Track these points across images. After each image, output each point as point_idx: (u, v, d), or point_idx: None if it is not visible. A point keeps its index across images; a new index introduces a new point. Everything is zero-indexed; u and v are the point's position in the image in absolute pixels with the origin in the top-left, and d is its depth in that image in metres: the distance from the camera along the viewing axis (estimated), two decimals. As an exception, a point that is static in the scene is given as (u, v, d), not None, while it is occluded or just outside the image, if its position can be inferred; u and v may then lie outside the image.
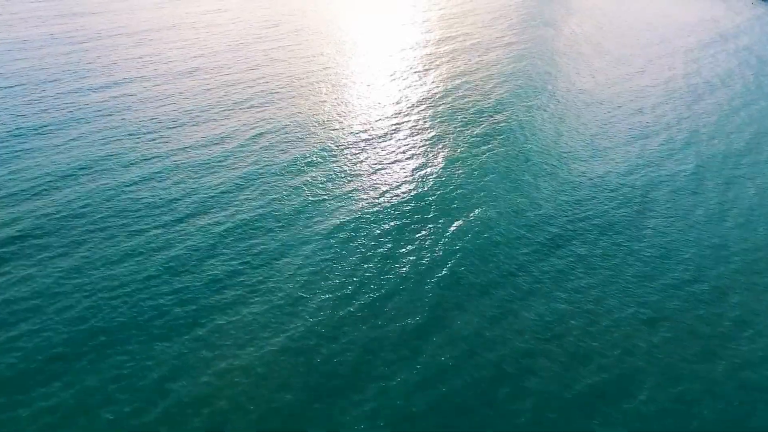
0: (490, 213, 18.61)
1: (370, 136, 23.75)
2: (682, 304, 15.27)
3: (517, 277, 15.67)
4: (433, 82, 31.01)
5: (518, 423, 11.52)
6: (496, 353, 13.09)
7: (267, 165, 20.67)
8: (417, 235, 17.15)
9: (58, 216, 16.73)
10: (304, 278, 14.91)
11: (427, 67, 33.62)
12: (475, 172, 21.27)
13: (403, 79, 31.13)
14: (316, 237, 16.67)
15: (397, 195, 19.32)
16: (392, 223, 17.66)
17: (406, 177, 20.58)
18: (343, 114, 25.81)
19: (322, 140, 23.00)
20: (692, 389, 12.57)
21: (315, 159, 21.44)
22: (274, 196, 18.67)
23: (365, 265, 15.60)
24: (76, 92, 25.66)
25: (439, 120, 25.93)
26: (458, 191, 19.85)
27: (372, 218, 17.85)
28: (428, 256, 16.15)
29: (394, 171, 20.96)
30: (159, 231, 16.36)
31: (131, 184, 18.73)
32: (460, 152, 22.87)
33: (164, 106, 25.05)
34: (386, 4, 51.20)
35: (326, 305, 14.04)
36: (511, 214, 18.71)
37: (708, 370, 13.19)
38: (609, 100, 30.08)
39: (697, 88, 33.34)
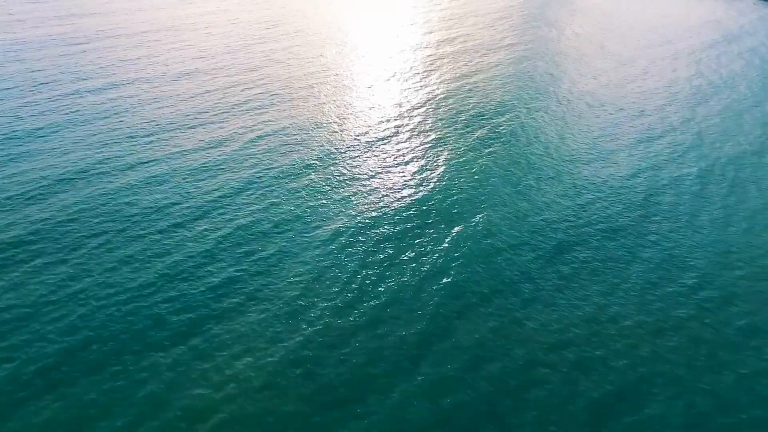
0: (493, 218, 18.31)
1: (370, 139, 23.46)
2: (689, 312, 14.96)
3: (519, 284, 15.37)
4: (434, 83, 30.72)
5: (522, 437, 11.23)
6: (498, 364, 12.79)
7: (266, 169, 20.39)
8: (418, 241, 16.85)
9: (52, 221, 16.45)
10: (303, 286, 14.62)
11: (428, 68, 33.33)
12: (477, 176, 20.98)
13: (404, 81, 30.84)
14: (316, 243, 16.38)
15: (398, 199, 19.02)
16: (393, 229, 17.36)
17: (406, 181, 20.29)
18: (343, 116, 25.52)
19: (322, 143, 22.71)
20: (701, 402, 12.26)
21: (314, 163, 21.15)
22: (272, 201, 18.38)
23: (365, 272, 15.31)
24: (73, 94, 25.39)
25: (440, 123, 25.64)
26: (460, 195, 19.56)
27: (372, 223, 17.56)
28: (429, 263, 15.86)
29: (394, 175, 20.67)
30: (155, 237, 16.07)
31: (128, 189, 18.45)
32: (461, 155, 22.58)
33: (162, 108, 24.78)
34: (386, 5, 50.91)
35: (325, 314, 13.74)
36: (513, 219, 18.42)
37: (716, 381, 12.88)
38: (612, 103, 29.78)
39: (701, 91, 33.03)
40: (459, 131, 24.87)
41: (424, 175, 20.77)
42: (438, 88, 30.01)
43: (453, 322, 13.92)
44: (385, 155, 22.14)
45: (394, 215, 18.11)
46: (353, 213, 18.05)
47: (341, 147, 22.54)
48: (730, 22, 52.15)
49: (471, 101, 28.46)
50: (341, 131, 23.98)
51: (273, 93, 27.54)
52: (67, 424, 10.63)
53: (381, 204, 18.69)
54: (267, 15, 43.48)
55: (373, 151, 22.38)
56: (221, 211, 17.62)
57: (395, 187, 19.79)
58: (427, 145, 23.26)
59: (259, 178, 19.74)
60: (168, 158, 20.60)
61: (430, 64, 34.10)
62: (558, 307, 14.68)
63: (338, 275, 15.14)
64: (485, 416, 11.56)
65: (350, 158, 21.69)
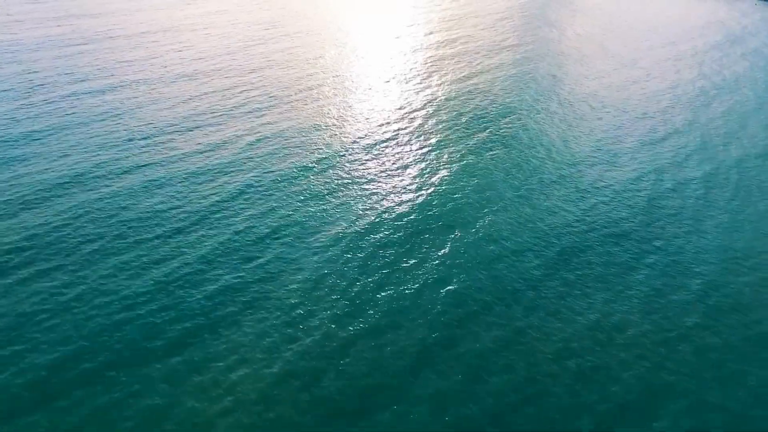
0: (496, 223, 18.00)
1: (370, 142, 23.15)
2: (695, 321, 14.65)
3: (522, 292, 15.06)
4: (434, 85, 30.41)
5: (526, 452, 10.93)
6: (500, 375, 12.48)
7: (264, 173, 20.08)
8: (418, 247, 16.54)
9: (47, 227, 16.15)
10: (301, 294, 14.31)
11: (428, 70, 33.01)
12: (480, 180, 20.67)
13: (404, 83, 30.53)
14: (314, 249, 16.07)
15: (398, 204, 18.71)
16: (393, 234, 17.06)
17: (407, 185, 19.97)
18: (343, 119, 25.22)
19: (321, 146, 22.40)
20: (709, 416, 11.94)
21: (314, 166, 20.85)
22: (271, 206, 18.07)
23: (365, 279, 15.00)
24: (70, 96, 25.09)
25: (441, 125, 25.32)
26: (462, 200, 19.24)
27: (372, 229, 17.25)
28: (430, 270, 15.55)
29: (394, 179, 20.35)
30: (151, 243, 15.77)
31: (124, 193, 18.15)
32: (462, 159, 22.26)
33: (160, 110, 24.48)
34: (386, 6, 50.60)
35: (324, 323, 13.44)
36: (516, 224, 18.11)
37: (725, 393, 12.56)
38: (615, 105, 29.46)
39: (705, 93, 32.70)
40: (460, 134, 24.55)
41: (424, 179, 20.46)
42: (439, 90, 29.69)
43: (454, 331, 13.61)
44: (385, 159, 21.83)
45: (395, 220, 17.80)
46: (353, 218, 17.74)
47: (341, 150, 22.23)
48: (732, 22, 51.79)
49: (472, 103, 28.14)
50: (341, 134, 23.67)
51: (272, 95, 27.23)
52: (58, 439, 10.34)
53: (381, 209, 18.38)
54: (267, 16, 43.18)
55: (373, 155, 22.07)
56: (219, 216, 17.32)
57: (395, 192, 19.48)
58: (427, 148, 22.95)
59: (257, 182, 19.44)
60: (165, 162, 20.30)
61: (431, 66, 33.79)
62: (561, 316, 14.37)
63: (337, 282, 14.84)
64: (487, 430, 11.25)
65: (350, 162, 21.38)
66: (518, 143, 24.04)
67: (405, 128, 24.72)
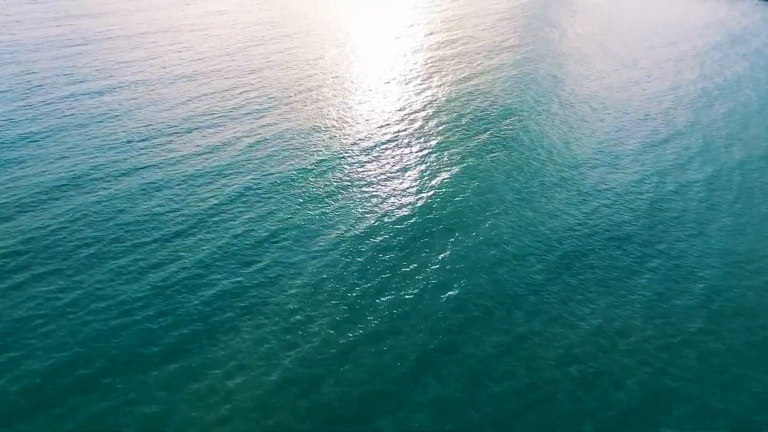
0: (497, 227, 17.84)
1: (370, 144, 22.98)
2: (698, 326, 14.49)
3: (525, 297, 14.89)
4: (434, 86, 30.25)
5: (528, 460, 10.78)
6: (502, 382, 12.32)
7: (263, 175, 19.92)
8: (418, 251, 16.38)
9: (43, 230, 15.99)
10: (300, 299, 14.16)
11: (428, 71, 32.86)
12: (480, 183, 20.51)
13: (405, 84, 30.37)
14: (313, 253, 15.91)
15: (399, 208, 18.55)
16: (394, 239, 16.90)
17: (406, 188, 19.81)
18: (343, 120, 25.06)
19: (321, 149, 22.24)
20: (719, 424, 11.77)
21: (313, 169, 20.68)
22: (270, 209, 17.92)
23: (365, 284, 14.84)
24: (68, 98, 24.94)
25: (441, 127, 25.16)
26: (462, 203, 19.08)
27: (373, 233, 17.09)
28: (430, 274, 15.39)
29: (395, 182, 20.20)
30: (149, 247, 15.61)
31: (121, 196, 17.99)
32: (463, 161, 22.10)
33: (159, 112, 24.33)
34: (387, 6, 50.43)
35: (323, 329, 13.28)
36: (517, 228, 17.94)
37: (734, 401, 12.39)
38: (617, 106, 29.30)
39: (707, 93, 32.53)
40: (460, 135, 24.39)
41: (424, 182, 20.30)
42: (439, 92, 29.53)
43: (455, 336, 13.46)
44: (385, 161, 21.67)
45: (394, 224, 17.64)
46: (352, 222, 17.58)
47: (340, 152, 22.07)
48: (732, 22, 51.62)
49: (473, 104, 27.98)
50: (340, 136, 23.51)
51: (271, 96, 27.08)
52: (53, 448, 10.19)
53: (380, 212, 18.22)
54: (266, 16, 43.02)
55: (373, 157, 21.91)
56: (217, 219, 17.16)
57: (395, 195, 19.32)
58: (427, 151, 22.79)
59: (256, 184, 19.28)
60: (164, 164, 20.14)
61: (431, 67, 33.63)
62: (563, 321, 14.21)
63: (337, 287, 14.68)
64: (489, 438, 11.11)
65: (349, 164, 21.22)
66: (519, 145, 23.88)
67: (405, 130, 24.56)
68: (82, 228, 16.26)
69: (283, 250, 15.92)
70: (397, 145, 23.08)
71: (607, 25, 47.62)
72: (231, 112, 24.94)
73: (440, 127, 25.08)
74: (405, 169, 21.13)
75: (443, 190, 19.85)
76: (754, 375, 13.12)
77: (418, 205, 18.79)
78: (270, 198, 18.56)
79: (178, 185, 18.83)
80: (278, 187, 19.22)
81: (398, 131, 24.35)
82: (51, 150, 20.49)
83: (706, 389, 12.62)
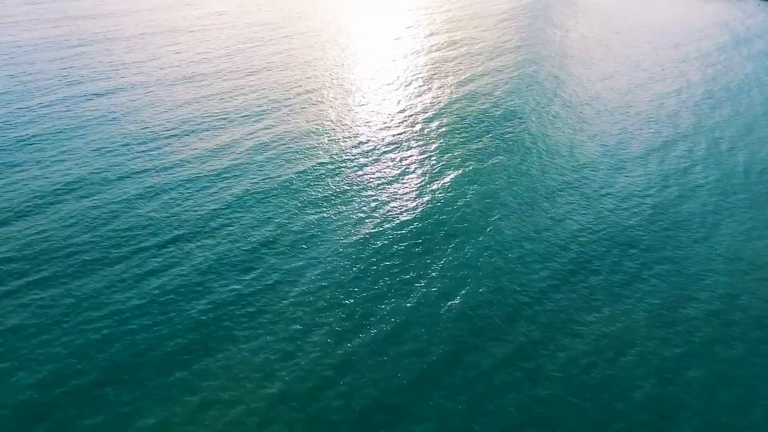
0: (500, 232, 17.53)
1: (371, 147, 22.68)
2: (710, 337, 14.15)
3: (531, 306, 14.57)
4: (436, 88, 29.94)
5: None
6: (509, 396, 12.00)
7: (262, 180, 19.62)
8: (422, 258, 16.07)
9: (38, 237, 15.70)
10: (299, 308, 13.85)
11: (431, 73, 32.55)
12: (482, 187, 20.19)
13: (406, 86, 30.07)
14: (313, 261, 15.61)
15: (400, 213, 18.24)
16: (394, 245, 16.59)
17: (409, 192, 19.50)
18: (343, 123, 24.75)
19: (321, 152, 21.94)
20: (724, 438, 11.48)
21: (313, 173, 20.38)
22: (269, 215, 17.62)
23: (366, 293, 14.54)
24: (66, 100, 24.67)
25: (443, 129, 24.86)
26: (464, 208, 18.77)
27: (373, 239, 16.78)
28: (435, 285, 15.07)
29: (396, 186, 19.89)
30: (144, 254, 15.31)
31: (119, 202, 17.70)
32: (466, 164, 21.79)
33: (158, 114, 24.04)
34: (387, 7, 50.15)
35: (323, 341, 12.97)
36: (523, 234, 17.63)
37: (743, 413, 12.07)
38: (621, 108, 28.97)
39: (714, 95, 32.20)
40: (462, 138, 24.08)
41: (426, 186, 19.99)
42: (441, 93, 29.23)
43: (457, 346, 13.14)
44: (386, 164, 21.36)
45: (395, 229, 17.34)
46: (352, 227, 17.28)
47: (340, 156, 21.77)
48: (736, 23, 51.28)
49: (475, 107, 27.68)
50: (340, 139, 23.21)
51: (271, 98, 26.79)
52: (43, 464, 9.90)
53: (381, 217, 17.91)
54: (266, 17, 42.74)
55: (373, 160, 21.60)
56: (214, 225, 16.86)
57: (396, 199, 19.01)
58: (429, 154, 22.48)
59: (255, 189, 18.99)
60: (162, 168, 19.85)
61: (433, 68, 33.32)
62: (567, 330, 13.89)
63: (336, 295, 14.37)
64: (493, 453, 10.80)
65: (349, 168, 20.91)
66: (522, 148, 23.56)
67: (406, 132, 24.25)
68: (78, 234, 15.96)
69: (282, 256, 15.62)
70: (397, 148, 22.78)
71: (608, 25, 47.29)
72: (230, 114, 24.65)
73: (441, 130, 24.77)
74: (405, 173, 20.82)
75: (444, 194, 19.54)
76: (765, 386, 12.80)
77: (419, 209, 18.48)
78: (268, 202, 18.26)
79: (175, 189, 18.54)
80: (277, 192, 18.92)
81: (398, 134, 24.05)
82: (47, 153, 20.21)
83: (715, 401, 12.30)
